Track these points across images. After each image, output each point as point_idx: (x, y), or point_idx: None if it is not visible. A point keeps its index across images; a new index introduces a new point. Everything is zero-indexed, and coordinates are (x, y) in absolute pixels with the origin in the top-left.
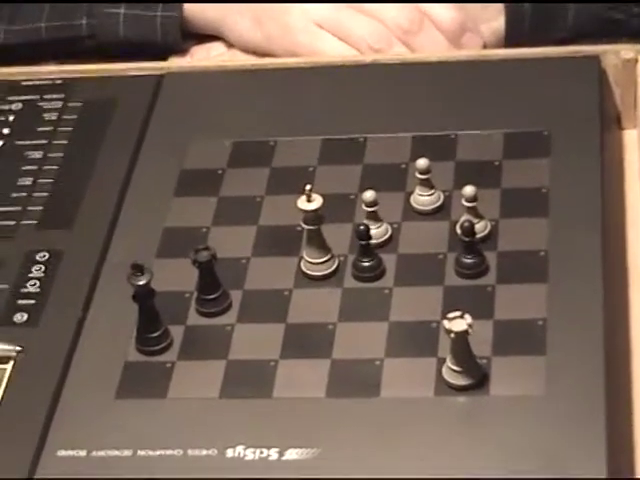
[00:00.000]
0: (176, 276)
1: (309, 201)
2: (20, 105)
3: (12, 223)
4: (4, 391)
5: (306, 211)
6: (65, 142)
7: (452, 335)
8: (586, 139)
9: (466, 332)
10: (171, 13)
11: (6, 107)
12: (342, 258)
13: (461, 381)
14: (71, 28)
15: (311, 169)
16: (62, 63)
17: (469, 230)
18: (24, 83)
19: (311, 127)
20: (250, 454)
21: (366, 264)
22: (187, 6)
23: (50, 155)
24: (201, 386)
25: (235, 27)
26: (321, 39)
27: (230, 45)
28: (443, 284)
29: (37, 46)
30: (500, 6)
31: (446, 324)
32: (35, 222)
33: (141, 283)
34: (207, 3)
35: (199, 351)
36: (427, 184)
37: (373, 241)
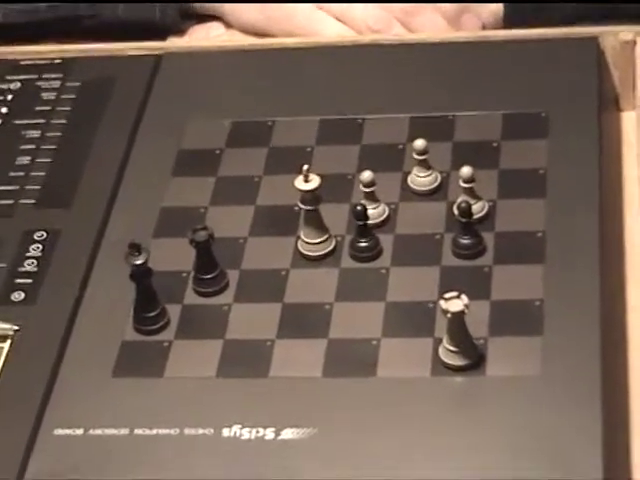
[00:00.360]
0: (173, 255)
1: (307, 181)
2: (18, 84)
3: (10, 202)
4: (1, 369)
5: (304, 191)
6: (63, 121)
7: (448, 315)
8: (584, 120)
9: (462, 312)
10: None
11: (5, 86)
12: (339, 238)
13: (457, 361)
14: (70, 8)
15: (309, 149)
16: (61, 43)
17: (466, 211)
18: (23, 62)
19: (309, 107)
20: (246, 433)
21: (363, 244)
22: None
23: (48, 134)
24: (198, 365)
25: (234, 7)
26: (320, 20)
27: (229, 25)
28: (440, 264)
29: (36, 26)
30: None
31: (443, 304)
32: (33, 201)
33: (138, 262)
34: None
35: (196, 330)
36: (424, 165)
37: (370, 221)
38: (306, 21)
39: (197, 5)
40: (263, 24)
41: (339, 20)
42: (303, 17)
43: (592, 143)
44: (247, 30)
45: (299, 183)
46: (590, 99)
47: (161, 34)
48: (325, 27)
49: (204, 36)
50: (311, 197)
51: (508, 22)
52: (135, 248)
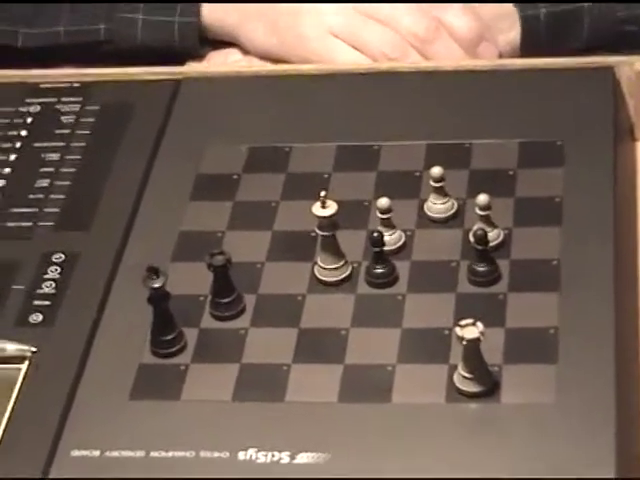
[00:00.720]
0: (191, 279)
1: (324, 207)
2: (38, 107)
3: (29, 224)
4: (19, 391)
5: (321, 217)
6: (82, 145)
7: (464, 342)
8: (599, 150)
9: (478, 340)
10: (189, 19)
11: (24, 109)
12: (356, 264)
13: (472, 388)
14: (89, 33)
15: (326, 175)
16: (80, 66)
17: (482, 238)
18: (43, 86)
19: (326, 133)
20: (262, 457)
21: (379, 270)
22: (205, 12)
23: (67, 157)
24: (214, 389)
25: (251, 34)
26: (336, 48)
27: (246, 51)
28: (456, 291)
29: (55, 50)
30: (515, 17)
31: (458, 331)
32: (52, 224)
33: (156, 286)
34: (225, 4)
35: (213, 354)
36: (441, 192)
37: (387, 248)
38: (321, 48)
39: (214, 31)
40: (277, 50)
41: (354, 47)
42: (317, 44)
43: (607, 172)
44: (262, 56)
45: (316, 209)
46: (605, 128)
47: (180, 59)
48: (340, 55)
49: (222, 61)
50: (328, 223)
51: (525, 51)
52: (153, 272)
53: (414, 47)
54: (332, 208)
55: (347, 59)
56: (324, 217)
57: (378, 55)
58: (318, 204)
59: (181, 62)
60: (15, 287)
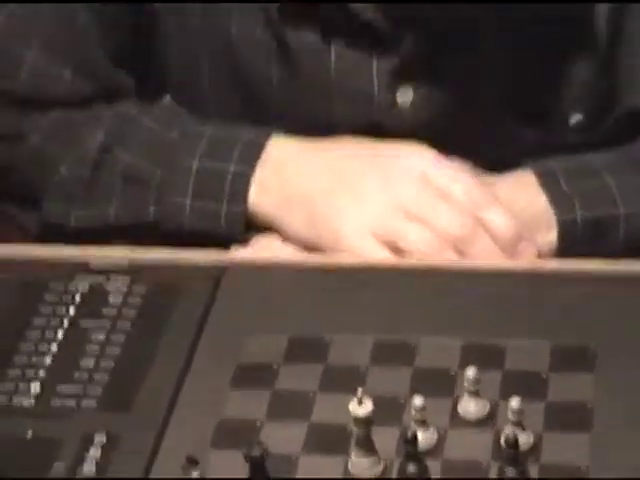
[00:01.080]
0: (228, 467)
1: (360, 404)
2: (86, 286)
3: (72, 403)
4: None
5: (357, 415)
6: (128, 325)
7: None
8: (632, 356)
9: None
10: (236, 208)
11: (73, 287)
12: (388, 461)
13: None
14: (138, 216)
15: (363, 369)
16: (127, 242)
17: (513, 443)
18: (92, 264)
19: (365, 327)
20: None
21: (412, 469)
22: (250, 201)
23: (113, 337)
24: None
25: (291, 226)
26: (372, 248)
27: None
28: None
29: (105, 230)
30: (552, 218)
31: None
32: (94, 403)
33: (194, 478)
34: (271, 193)
35: None
36: (475, 394)
37: (420, 446)
38: (357, 247)
39: (259, 218)
40: (314, 241)
41: (391, 248)
42: (354, 243)
43: (639, 380)
44: (300, 245)
45: (353, 407)
46: (638, 336)
47: (224, 242)
48: (376, 254)
49: (266, 246)
50: (364, 420)
51: (562, 252)
52: (192, 462)
53: (451, 246)
54: (368, 407)
55: (380, 257)
56: (360, 416)
57: (414, 253)
58: (355, 401)
59: (226, 244)
60: (56, 464)
